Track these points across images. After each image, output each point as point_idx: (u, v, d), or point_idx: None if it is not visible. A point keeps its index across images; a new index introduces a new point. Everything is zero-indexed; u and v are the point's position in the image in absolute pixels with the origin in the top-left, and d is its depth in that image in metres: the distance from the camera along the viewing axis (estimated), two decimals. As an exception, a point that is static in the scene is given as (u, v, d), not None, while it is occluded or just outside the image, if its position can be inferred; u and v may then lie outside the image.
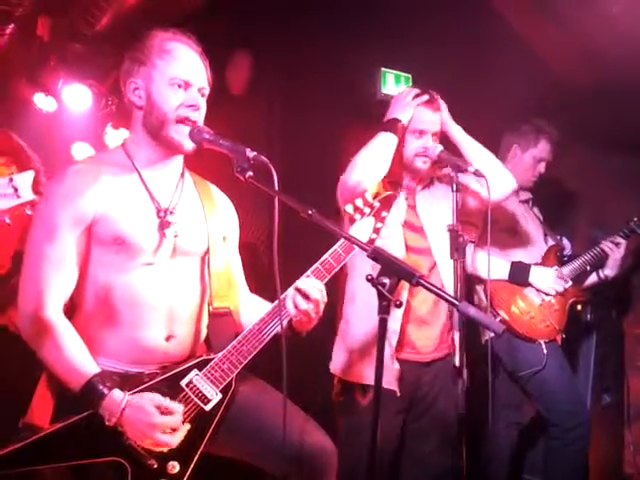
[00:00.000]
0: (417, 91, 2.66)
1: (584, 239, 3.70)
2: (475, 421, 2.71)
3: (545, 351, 3.07)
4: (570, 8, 3.07)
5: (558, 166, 3.48)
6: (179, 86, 1.92)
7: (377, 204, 2.11)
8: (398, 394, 2.53)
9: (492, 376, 2.65)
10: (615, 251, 3.26)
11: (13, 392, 2.29)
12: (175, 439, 1.81)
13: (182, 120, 1.91)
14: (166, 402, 1.81)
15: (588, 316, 3.37)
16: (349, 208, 2.09)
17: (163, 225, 1.94)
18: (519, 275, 3.11)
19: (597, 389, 3.38)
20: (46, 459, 1.77)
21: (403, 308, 2.53)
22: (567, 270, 3.22)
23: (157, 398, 1.81)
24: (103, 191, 1.88)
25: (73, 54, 3.82)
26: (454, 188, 2.50)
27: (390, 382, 2.52)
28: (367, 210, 2.09)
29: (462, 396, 2.43)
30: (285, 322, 1.92)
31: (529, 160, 3.27)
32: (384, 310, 1.68)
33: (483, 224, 2.82)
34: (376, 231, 2.11)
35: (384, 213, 2.12)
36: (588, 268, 3.27)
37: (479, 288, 3.18)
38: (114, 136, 4.18)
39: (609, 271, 3.31)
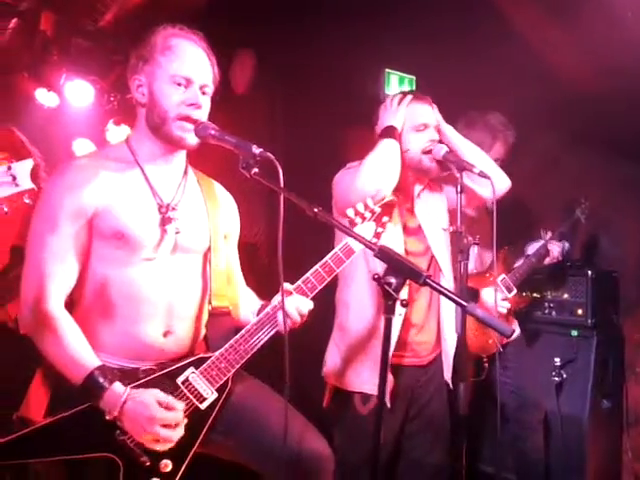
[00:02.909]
0: (399, 95, 2.64)
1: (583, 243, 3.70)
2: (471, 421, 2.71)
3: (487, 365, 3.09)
4: (580, 11, 3.04)
5: (559, 169, 3.47)
6: (179, 84, 1.91)
7: (378, 209, 2.12)
8: (388, 406, 2.48)
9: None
10: (558, 252, 3.27)
11: (8, 386, 2.28)
12: (176, 434, 1.80)
13: (183, 118, 1.91)
14: (168, 398, 1.81)
15: (589, 321, 3.35)
16: (350, 212, 2.09)
17: (164, 221, 1.93)
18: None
19: (596, 394, 3.36)
20: (38, 452, 1.76)
21: (403, 314, 2.50)
22: (514, 277, 3.15)
23: (159, 393, 1.80)
24: (105, 185, 1.88)
25: (76, 49, 3.81)
26: (459, 189, 2.47)
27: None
28: (368, 215, 2.10)
29: (463, 397, 2.41)
30: (280, 325, 1.94)
31: None
32: (390, 310, 1.67)
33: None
34: (377, 235, 2.12)
35: (385, 218, 2.13)
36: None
37: None
38: (116, 133, 4.17)
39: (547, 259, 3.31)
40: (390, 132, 2.54)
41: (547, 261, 3.30)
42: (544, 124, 3.53)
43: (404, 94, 2.65)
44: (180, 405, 1.83)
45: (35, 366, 1.89)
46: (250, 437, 2.00)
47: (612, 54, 3.04)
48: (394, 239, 2.52)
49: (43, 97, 4.07)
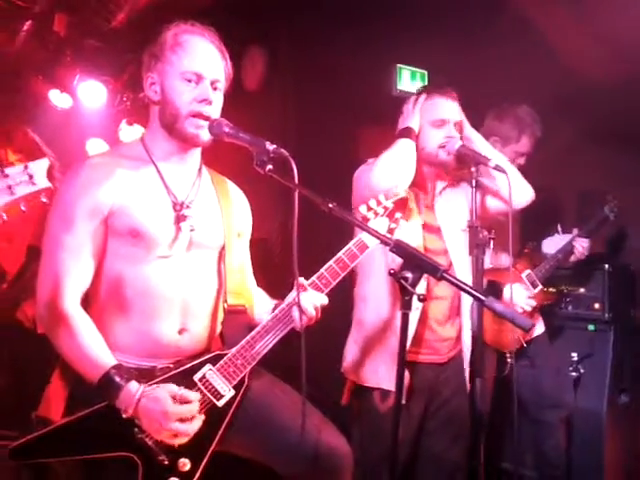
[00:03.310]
0: (414, 97, 2.61)
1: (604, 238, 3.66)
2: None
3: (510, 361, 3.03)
4: (594, 3, 3.00)
5: (577, 163, 3.42)
6: (190, 80, 1.90)
7: (391, 205, 2.12)
8: (403, 402, 2.48)
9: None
10: (584, 249, 3.22)
11: (27, 385, 2.31)
12: (193, 427, 1.80)
13: (195, 115, 1.90)
14: (181, 391, 1.80)
15: (606, 315, 3.32)
16: (363, 208, 2.09)
17: (179, 219, 1.94)
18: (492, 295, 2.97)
19: (613, 389, 3.34)
20: (57, 452, 1.77)
21: (419, 310, 2.49)
22: (540, 273, 3.14)
23: (172, 388, 1.80)
24: (120, 183, 1.88)
25: (89, 50, 3.84)
26: (474, 184, 2.45)
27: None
28: (381, 211, 2.10)
29: (481, 395, 2.39)
30: (296, 321, 1.94)
31: (510, 155, 3.07)
32: (406, 305, 1.66)
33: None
34: (390, 231, 2.12)
35: (398, 214, 2.13)
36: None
37: None
38: (128, 132, 4.20)
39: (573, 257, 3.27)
40: (406, 133, 2.53)
41: (572, 258, 3.26)
42: (559, 118, 3.49)
43: (418, 94, 2.62)
44: (195, 396, 1.82)
45: (53, 365, 1.90)
46: (268, 434, 1.99)
47: (628, 43, 2.99)
48: (413, 236, 2.51)
49: (57, 98, 4.10)
